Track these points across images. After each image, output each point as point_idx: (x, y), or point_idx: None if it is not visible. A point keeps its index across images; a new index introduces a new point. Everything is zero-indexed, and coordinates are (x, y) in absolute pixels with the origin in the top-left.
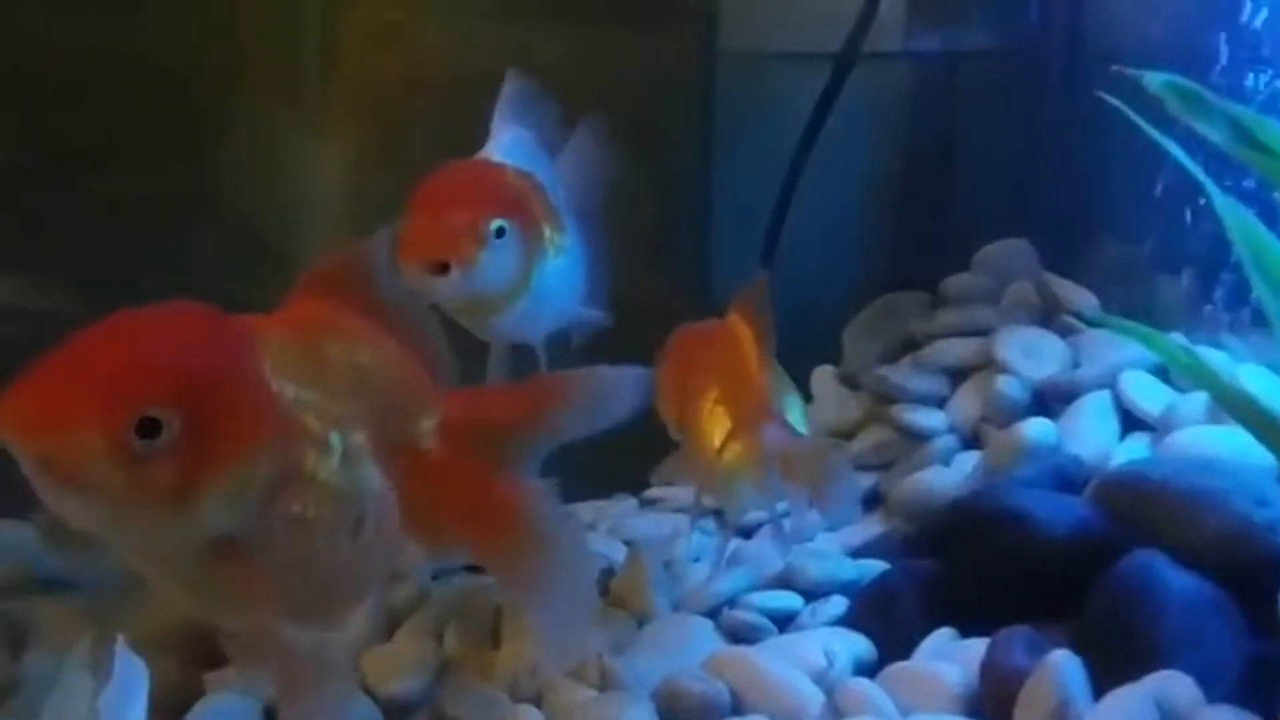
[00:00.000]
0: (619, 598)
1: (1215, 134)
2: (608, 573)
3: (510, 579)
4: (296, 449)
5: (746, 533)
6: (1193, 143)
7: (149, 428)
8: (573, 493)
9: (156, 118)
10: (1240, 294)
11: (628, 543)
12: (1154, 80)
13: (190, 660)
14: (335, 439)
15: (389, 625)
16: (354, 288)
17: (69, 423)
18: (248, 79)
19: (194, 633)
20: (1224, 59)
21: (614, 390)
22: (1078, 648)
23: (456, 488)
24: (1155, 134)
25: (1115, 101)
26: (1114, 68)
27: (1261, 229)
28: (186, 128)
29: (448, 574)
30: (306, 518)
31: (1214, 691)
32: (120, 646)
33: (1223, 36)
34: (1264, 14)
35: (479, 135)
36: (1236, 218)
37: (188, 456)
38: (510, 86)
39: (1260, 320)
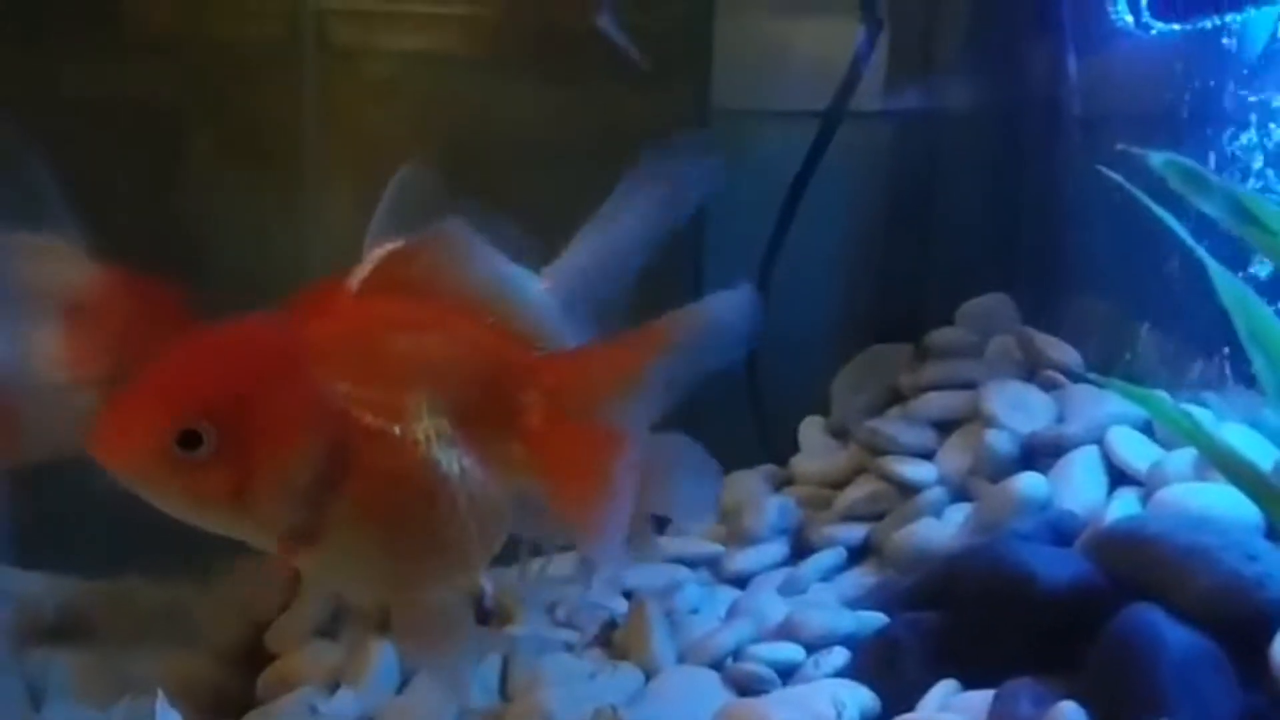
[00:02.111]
0: (623, 649)
1: (1215, 211)
2: (609, 624)
3: (589, 527)
4: (349, 444)
5: (742, 582)
6: (1165, 200)
7: (191, 440)
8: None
9: (140, 169)
10: (1222, 352)
11: (627, 594)
12: (1156, 159)
13: (212, 713)
14: (395, 429)
15: (401, 678)
16: (426, 273)
17: (129, 439)
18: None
19: (213, 684)
20: (1204, 122)
21: (720, 321)
22: (1078, 700)
23: (567, 455)
24: (1158, 210)
25: (1117, 178)
26: (1119, 146)
27: (1257, 300)
28: (169, 179)
29: None
30: (370, 506)
31: None
32: (160, 701)
33: (1203, 99)
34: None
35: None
36: (1231, 289)
37: (232, 462)
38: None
39: (1241, 378)
